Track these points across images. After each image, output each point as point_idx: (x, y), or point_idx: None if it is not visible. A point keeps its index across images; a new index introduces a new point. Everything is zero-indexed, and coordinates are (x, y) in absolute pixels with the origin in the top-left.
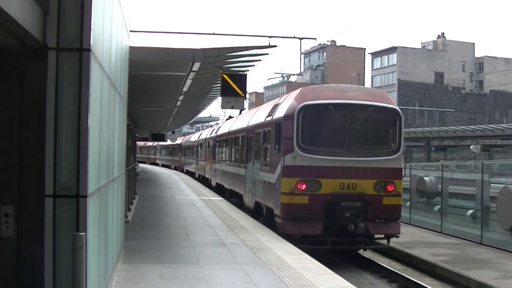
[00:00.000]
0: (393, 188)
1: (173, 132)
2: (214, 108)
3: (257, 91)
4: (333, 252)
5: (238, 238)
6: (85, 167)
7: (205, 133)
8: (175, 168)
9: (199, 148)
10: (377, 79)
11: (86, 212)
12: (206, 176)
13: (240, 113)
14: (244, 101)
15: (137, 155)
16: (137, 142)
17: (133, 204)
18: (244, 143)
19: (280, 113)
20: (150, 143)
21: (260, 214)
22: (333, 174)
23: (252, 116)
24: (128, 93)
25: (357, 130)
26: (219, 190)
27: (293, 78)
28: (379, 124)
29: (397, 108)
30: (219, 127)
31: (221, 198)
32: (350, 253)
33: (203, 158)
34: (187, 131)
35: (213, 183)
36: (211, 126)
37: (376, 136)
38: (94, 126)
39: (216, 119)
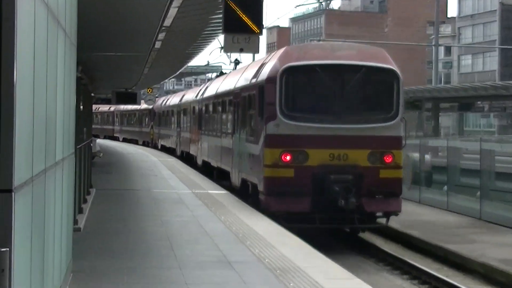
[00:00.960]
0: (391, 159)
1: (151, 91)
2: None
3: (281, 25)
4: (325, 232)
5: (252, 254)
6: (9, 145)
7: (190, 95)
8: (145, 144)
9: (182, 115)
10: (467, 4)
11: (12, 216)
12: (191, 152)
13: (253, 59)
14: (259, 40)
15: (94, 126)
16: (94, 106)
17: (87, 202)
18: (231, 110)
19: (263, 75)
20: (112, 108)
21: (247, 193)
22: (322, 144)
23: (241, 75)
24: (78, 30)
25: (349, 94)
26: (208, 171)
27: (335, 4)
28: (374, 87)
29: (395, 68)
30: (207, 88)
31: (225, 192)
32: (350, 237)
33: (187, 129)
34: (171, 87)
35: (199, 161)
36: (209, 79)
37: (370, 100)
38: (23, 81)
39: (216, 68)
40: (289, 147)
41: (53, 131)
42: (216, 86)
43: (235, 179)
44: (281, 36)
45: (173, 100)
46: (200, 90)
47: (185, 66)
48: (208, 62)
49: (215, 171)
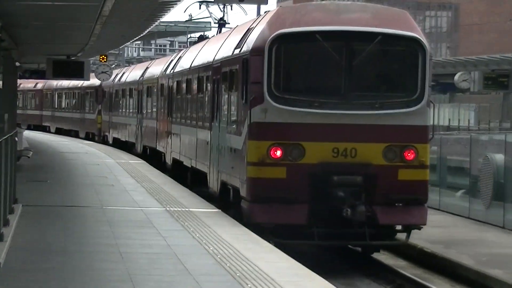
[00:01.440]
0: (414, 155)
1: (105, 59)
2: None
3: None
4: (329, 250)
5: None
6: None
7: (157, 67)
8: (89, 137)
9: (145, 95)
10: None
11: None
12: (158, 148)
13: (257, 14)
14: None
15: (19, 111)
16: (19, 83)
17: (9, 225)
18: (209, 90)
19: (248, 45)
20: (40, 85)
21: (228, 200)
22: (323, 135)
23: (223, 43)
24: None
25: (359, 70)
26: (180, 174)
27: None
28: (392, 61)
29: (420, 36)
30: (180, 58)
31: (215, 210)
32: (360, 255)
33: (152, 116)
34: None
35: (168, 160)
36: (193, 43)
37: (387, 78)
38: None
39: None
40: (280, 139)
41: None
42: (192, 57)
43: (213, 183)
44: None
45: (132, 74)
46: (171, 61)
47: (155, 23)
48: (191, 17)
49: (189, 173)
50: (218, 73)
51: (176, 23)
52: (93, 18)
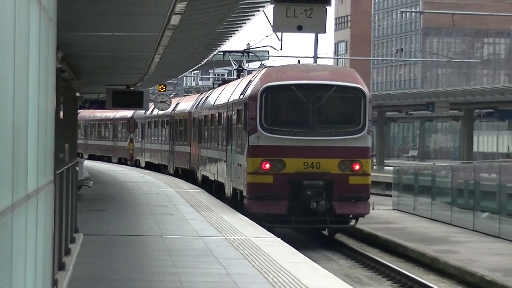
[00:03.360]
0: (359, 167)
1: (164, 89)
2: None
3: None
4: (305, 233)
5: None
6: None
7: (186, 104)
8: (121, 162)
9: (176, 125)
10: None
11: None
12: (190, 167)
13: (315, 43)
14: (326, 13)
15: (81, 140)
16: (80, 112)
17: (70, 254)
18: (226, 122)
19: (247, 93)
20: (105, 113)
21: (236, 202)
22: (297, 154)
23: (235, 88)
24: (59, 1)
25: (320, 110)
26: (208, 187)
27: None
28: (343, 103)
29: (362, 87)
30: (207, 97)
31: (274, 238)
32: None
33: (184, 142)
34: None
35: (199, 176)
36: (250, 72)
37: (340, 115)
38: None
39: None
40: (268, 156)
41: (23, 148)
42: (215, 97)
43: (228, 189)
44: (357, 6)
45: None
46: (201, 99)
47: (213, 53)
48: (249, 46)
49: (214, 186)
50: (230, 110)
51: (234, 52)
52: (152, 49)
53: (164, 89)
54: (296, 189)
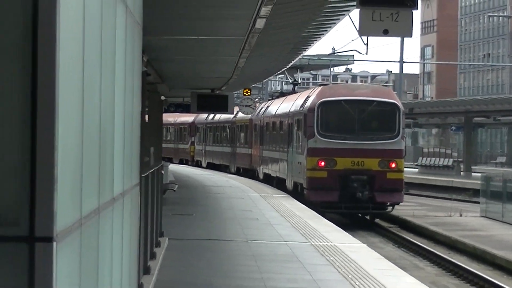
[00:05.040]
0: (395, 165)
1: (248, 93)
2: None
3: None
4: (350, 216)
5: None
6: (48, 174)
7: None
8: (182, 162)
9: (238, 131)
10: None
11: (52, 273)
12: (251, 167)
13: (401, 47)
14: (412, 17)
15: (165, 145)
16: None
17: (155, 258)
18: (287, 128)
19: (306, 106)
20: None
21: (297, 193)
22: (346, 154)
23: (294, 101)
24: (144, 3)
25: (364, 120)
26: (268, 182)
27: None
28: (382, 115)
29: (397, 102)
30: (267, 107)
31: (361, 244)
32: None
33: (245, 144)
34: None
35: (260, 174)
36: (335, 76)
37: (379, 124)
38: (67, 79)
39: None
40: (323, 156)
41: (109, 151)
42: (275, 108)
43: (289, 183)
44: (443, 10)
45: (222, 116)
46: (261, 108)
47: (298, 57)
48: (334, 50)
49: (275, 181)
50: (292, 119)
51: (319, 56)
52: (237, 52)
53: (249, 93)
54: (345, 182)
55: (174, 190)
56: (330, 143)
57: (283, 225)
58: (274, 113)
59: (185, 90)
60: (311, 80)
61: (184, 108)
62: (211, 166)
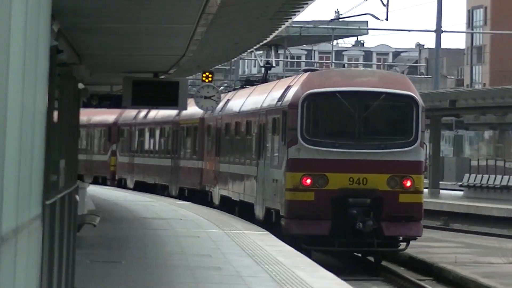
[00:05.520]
0: (411, 183)
1: (210, 78)
2: None
3: None
4: (346, 257)
5: None
6: None
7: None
8: (98, 181)
9: (183, 134)
10: None
11: None
12: (202, 187)
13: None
14: None
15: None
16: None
17: None
18: (257, 131)
19: (286, 100)
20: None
21: (270, 223)
22: (341, 168)
23: (268, 94)
24: None
25: (368, 120)
26: (228, 209)
27: None
28: (393, 113)
29: (415, 94)
30: (227, 101)
31: None
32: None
33: (194, 155)
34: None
35: (215, 198)
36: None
37: (390, 125)
38: None
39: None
40: (310, 171)
41: None
42: (240, 102)
43: (259, 210)
44: None
45: (162, 113)
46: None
47: (287, 23)
48: (338, 14)
49: (237, 207)
50: (263, 119)
51: (315, 23)
52: (193, 17)
53: (210, 79)
54: (340, 207)
55: (95, 225)
56: (320, 152)
57: (259, 277)
58: (237, 110)
59: (115, 75)
60: (303, 59)
61: (113, 102)
62: (141, 187)
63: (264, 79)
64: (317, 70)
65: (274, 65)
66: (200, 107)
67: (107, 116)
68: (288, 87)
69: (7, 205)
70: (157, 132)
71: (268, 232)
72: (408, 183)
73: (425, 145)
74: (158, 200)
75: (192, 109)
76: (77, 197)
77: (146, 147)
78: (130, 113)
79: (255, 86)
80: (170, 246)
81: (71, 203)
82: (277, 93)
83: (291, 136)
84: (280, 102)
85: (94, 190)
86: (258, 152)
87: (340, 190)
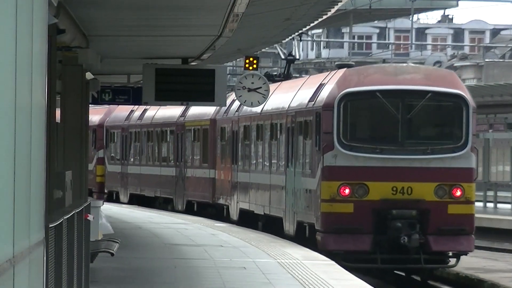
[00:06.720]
0: (461, 193)
1: (255, 65)
2: None
3: None
4: (388, 274)
5: None
6: None
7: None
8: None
9: (187, 138)
10: None
11: None
12: (214, 201)
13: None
14: None
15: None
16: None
17: None
18: (284, 135)
19: (320, 99)
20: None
21: (303, 238)
22: (383, 176)
23: (296, 92)
24: None
25: (412, 122)
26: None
27: None
28: (440, 114)
29: (465, 93)
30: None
31: None
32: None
33: (204, 163)
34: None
35: (233, 212)
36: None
37: (436, 128)
38: None
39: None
40: (348, 179)
41: None
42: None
43: (289, 224)
44: None
45: (163, 112)
46: (233, 100)
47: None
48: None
49: (261, 222)
50: (292, 121)
51: None
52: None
53: (255, 66)
54: (382, 220)
55: (113, 254)
56: (359, 158)
57: None
58: (259, 110)
59: (133, 62)
60: (374, 39)
61: (129, 96)
62: (137, 201)
63: (287, 75)
64: (353, 66)
65: (298, 57)
66: (243, 103)
67: (90, 116)
68: (321, 85)
69: (1, 229)
70: (158, 136)
71: (332, 262)
72: (458, 193)
73: (476, 150)
74: (193, 223)
75: (199, 109)
76: (90, 217)
77: (144, 153)
78: (120, 113)
79: (280, 82)
80: (208, 281)
81: (81, 225)
82: (308, 92)
83: (326, 141)
84: (312, 103)
85: (110, 209)
86: (286, 159)
87: (382, 201)
